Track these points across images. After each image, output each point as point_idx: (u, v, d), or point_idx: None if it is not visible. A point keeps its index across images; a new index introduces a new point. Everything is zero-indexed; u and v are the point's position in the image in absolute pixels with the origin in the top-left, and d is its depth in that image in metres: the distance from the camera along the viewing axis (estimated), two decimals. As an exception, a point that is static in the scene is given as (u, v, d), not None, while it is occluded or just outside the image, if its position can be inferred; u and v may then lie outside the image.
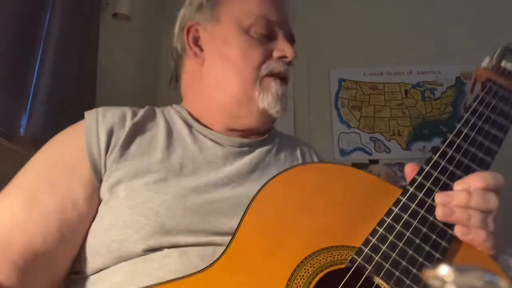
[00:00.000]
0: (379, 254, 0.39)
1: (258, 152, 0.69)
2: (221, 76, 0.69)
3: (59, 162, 0.60)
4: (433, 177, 0.43)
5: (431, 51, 2.46)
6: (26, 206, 0.54)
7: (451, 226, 0.40)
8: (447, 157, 0.45)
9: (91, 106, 1.58)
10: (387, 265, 0.38)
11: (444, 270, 0.20)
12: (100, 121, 0.61)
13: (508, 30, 2.41)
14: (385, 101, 2.45)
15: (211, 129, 0.69)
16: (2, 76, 1.24)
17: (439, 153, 0.46)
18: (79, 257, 0.57)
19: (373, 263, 0.38)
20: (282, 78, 0.70)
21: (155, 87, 2.24)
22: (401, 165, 2.31)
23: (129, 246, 0.51)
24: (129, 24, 1.90)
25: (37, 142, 1.29)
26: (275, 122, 0.78)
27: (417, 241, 0.39)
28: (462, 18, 2.47)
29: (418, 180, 0.44)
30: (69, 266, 0.57)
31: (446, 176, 0.43)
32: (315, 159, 0.76)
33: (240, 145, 0.68)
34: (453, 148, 0.46)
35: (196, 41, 0.73)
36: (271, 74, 0.68)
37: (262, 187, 0.48)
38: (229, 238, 0.50)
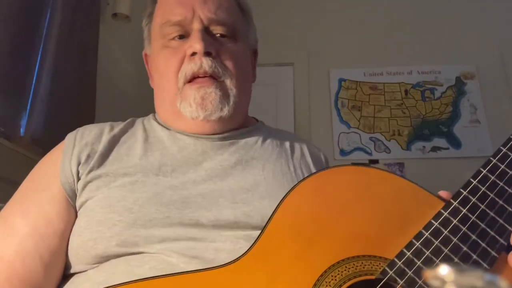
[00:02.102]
0: (413, 269, 0.37)
1: (242, 145, 0.67)
2: (159, 94, 0.70)
3: (33, 185, 0.61)
4: (480, 192, 0.40)
5: (431, 51, 2.46)
6: (2, 234, 0.56)
7: (494, 247, 0.38)
8: (497, 172, 0.41)
9: (91, 106, 1.59)
10: (420, 282, 0.36)
11: (444, 270, 0.20)
12: (77, 139, 0.63)
13: (508, 31, 2.41)
14: (385, 101, 2.45)
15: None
16: (2, 76, 1.24)
17: (488, 166, 0.42)
18: (67, 263, 0.57)
19: (405, 278, 0.36)
20: (203, 75, 0.63)
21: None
22: (401, 165, 2.31)
23: (103, 243, 0.52)
24: (129, 24, 1.90)
25: (37, 142, 1.29)
26: (263, 118, 0.78)
27: (456, 259, 0.37)
28: (462, 18, 2.47)
29: (463, 195, 0.41)
30: (59, 280, 0.58)
31: (494, 192, 0.40)
32: (307, 154, 0.71)
33: (221, 138, 0.66)
34: (505, 162, 0.42)
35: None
36: (189, 80, 0.64)
37: (296, 185, 0.47)
38: (207, 231, 0.52)
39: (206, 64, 0.62)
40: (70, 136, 0.64)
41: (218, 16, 0.66)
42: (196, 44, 0.62)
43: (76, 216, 0.58)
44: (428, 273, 0.21)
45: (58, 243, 0.56)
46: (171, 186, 0.57)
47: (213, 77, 0.63)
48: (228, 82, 0.65)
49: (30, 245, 0.55)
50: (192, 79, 0.63)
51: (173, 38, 0.66)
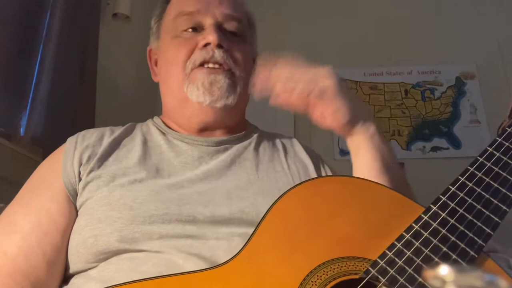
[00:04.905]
0: (394, 268, 0.39)
1: (236, 148, 0.69)
2: (165, 84, 0.73)
3: (36, 184, 0.63)
4: (459, 198, 0.42)
5: (431, 51, 2.46)
6: (5, 230, 0.57)
7: (473, 247, 0.39)
8: (475, 179, 0.43)
9: (91, 106, 1.59)
10: (401, 279, 0.37)
11: (444, 270, 0.20)
12: (79, 141, 0.65)
13: (508, 31, 2.41)
14: (385, 101, 2.45)
15: (185, 132, 0.71)
16: (2, 76, 1.24)
17: (466, 174, 0.44)
18: (66, 263, 0.59)
19: (387, 276, 0.38)
20: (213, 63, 0.66)
21: (155, 87, 2.23)
22: (401, 165, 2.31)
23: (103, 239, 0.53)
24: (129, 24, 1.90)
25: (37, 142, 1.29)
26: (260, 120, 0.81)
27: (436, 259, 0.39)
28: (462, 18, 2.47)
29: (442, 200, 0.43)
30: (61, 279, 0.59)
31: (472, 198, 0.42)
32: (298, 151, 0.74)
33: (217, 144, 0.68)
34: (482, 171, 0.44)
35: (156, 62, 0.78)
36: (197, 66, 0.66)
37: (284, 193, 0.49)
38: (204, 227, 0.54)
39: (218, 54, 0.66)
40: (71, 139, 0.67)
41: (232, 16, 0.71)
42: (210, 36, 0.66)
43: (77, 215, 0.60)
44: (428, 273, 0.21)
45: (60, 240, 0.57)
46: (169, 185, 0.59)
47: (224, 67, 0.67)
48: (238, 74, 0.68)
49: (33, 241, 0.56)
50: (202, 64, 0.66)
51: (186, 30, 0.69)
